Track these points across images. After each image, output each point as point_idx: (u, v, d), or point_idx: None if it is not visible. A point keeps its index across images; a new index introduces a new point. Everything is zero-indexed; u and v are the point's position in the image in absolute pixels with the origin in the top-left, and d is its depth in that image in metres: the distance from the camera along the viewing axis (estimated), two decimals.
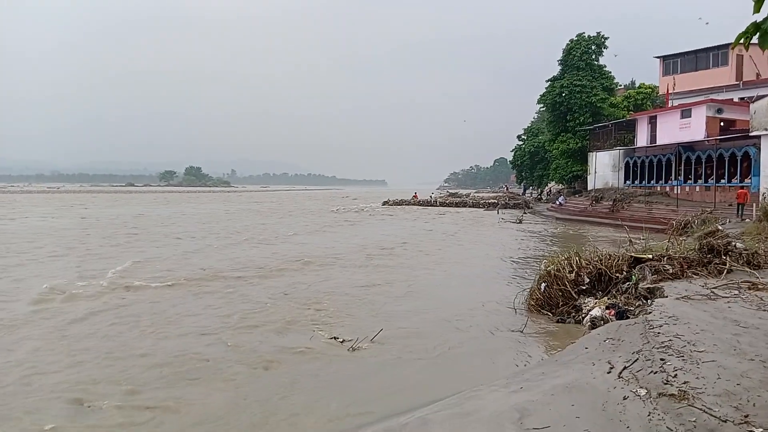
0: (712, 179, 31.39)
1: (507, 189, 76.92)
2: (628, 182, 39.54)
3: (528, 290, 10.40)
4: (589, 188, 43.50)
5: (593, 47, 46.86)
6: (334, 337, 8.29)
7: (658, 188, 36.02)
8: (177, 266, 15.08)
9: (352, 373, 6.91)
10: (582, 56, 46.21)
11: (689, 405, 4.12)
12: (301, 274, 14.11)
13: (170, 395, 6.09)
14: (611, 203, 33.30)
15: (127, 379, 6.54)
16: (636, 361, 5.30)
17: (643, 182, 37.88)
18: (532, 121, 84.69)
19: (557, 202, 43.51)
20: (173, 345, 7.97)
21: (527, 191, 66.66)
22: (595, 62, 46.82)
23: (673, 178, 34.78)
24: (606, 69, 47.28)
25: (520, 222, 33.69)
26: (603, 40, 47.24)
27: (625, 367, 5.17)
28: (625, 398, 4.43)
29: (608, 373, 5.13)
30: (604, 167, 42.19)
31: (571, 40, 47.50)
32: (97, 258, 16.60)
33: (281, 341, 8.16)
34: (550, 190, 57.61)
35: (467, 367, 7.11)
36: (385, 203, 58.26)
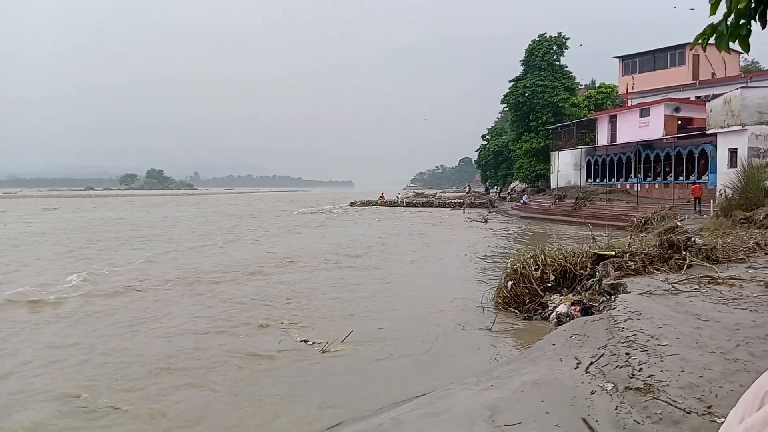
0: (671, 177, 32.31)
1: (470, 189, 77.67)
2: (590, 180, 40.41)
3: (495, 288, 10.51)
4: (552, 187, 44.28)
5: (554, 47, 47.74)
6: (305, 340, 8.23)
7: (619, 186, 36.91)
8: (145, 271, 14.77)
9: (323, 375, 6.87)
10: (544, 56, 47.01)
11: (655, 398, 4.21)
12: (274, 276, 14.00)
13: (145, 398, 5.97)
14: (574, 201, 33.93)
15: (95, 383, 6.36)
16: (602, 356, 5.40)
17: (605, 180, 38.76)
18: (496, 121, 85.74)
19: (521, 201, 44.10)
20: (146, 348, 7.80)
21: (491, 190, 67.37)
22: (557, 62, 47.70)
23: (633, 176, 35.68)
24: (567, 69, 48.25)
25: (486, 221, 34.06)
26: (564, 40, 48.18)
27: (591, 363, 5.26)
28: (592, 393, 4.50)
29: (575, 368, 5.21)
30: (566, 166, 42.99)
31: (533, 41, 48.27)
32: (74, 260, 16.15)
33: (252, 344, 8.07)
34: (514, 189, 58.42)
35: (438, 365, 7.15)
36: (352, 204, 58.18)
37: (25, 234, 26.22)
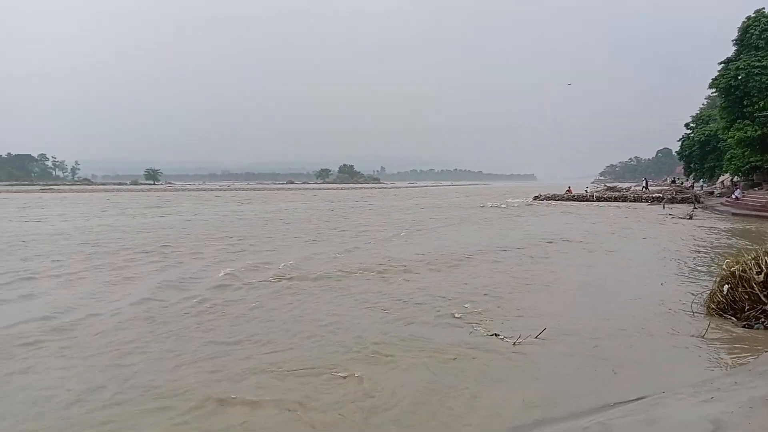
0: None
1: (674, 182, 70.80)
2: None
3: (707, 292, 9.54)
4: None
5: None
6: (495, 334, 8.20)
7: None
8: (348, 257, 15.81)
9: (516, 370, 6.78)
10: (761, 34, 41.12)
11: None
12: (462, 269, 14.13)
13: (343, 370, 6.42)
14: None
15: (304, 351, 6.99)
16: None
17: None
18: (701, 108, 77.36)
19: (732, 196, 39.25)
20: (341, 337, 8.37)
21: (695, 184, 60.91)
22: None
23: None
24: None
25: (691, 218, 30.87)
26: None
27: None
28: None
29: None
30: None
31: (748, 17, 42.49)
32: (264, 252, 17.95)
33: (440, 336, 8.22)
34: (723, 183, 52.19)
35: (644, 371, 6.65)
36: (536, 198, 56.51)
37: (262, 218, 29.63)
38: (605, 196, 53.08)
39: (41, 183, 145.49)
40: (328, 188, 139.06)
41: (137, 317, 9.28)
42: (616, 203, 48.30)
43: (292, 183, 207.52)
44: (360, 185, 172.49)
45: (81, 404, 5.72)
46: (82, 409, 5.61)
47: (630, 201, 48.99)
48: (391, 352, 7.38)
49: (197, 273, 13.57)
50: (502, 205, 47.74)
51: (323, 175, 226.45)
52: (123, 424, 5.26)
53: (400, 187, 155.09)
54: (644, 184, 66.63)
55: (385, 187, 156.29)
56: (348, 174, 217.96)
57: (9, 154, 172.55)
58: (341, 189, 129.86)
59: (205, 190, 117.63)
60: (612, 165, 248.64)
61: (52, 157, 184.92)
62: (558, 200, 53.49)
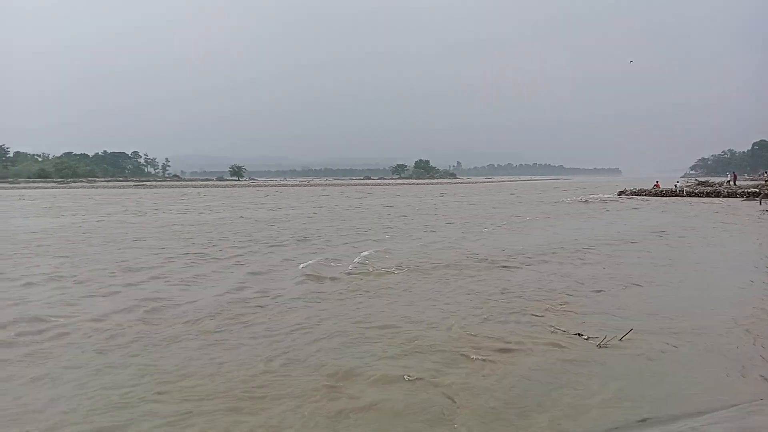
0: None
1: None
2: None
3: None
4: None
5: None
6: (579, 333, 8.03)
7: None
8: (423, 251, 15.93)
9: (603, 371, 6.62)
10: None
11: None
12: (549, 265, 13.86)
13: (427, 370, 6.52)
14: None
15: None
16: None
17: None
18: None
19: None
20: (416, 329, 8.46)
21: None
22: None
23: None
24: None
25: None
26: None
27: None
28: None
29: None
30: None
31: None
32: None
33: (522, 332, 8.14)
34: None
35: (737, 378, 6.34)
36: (621, 193, 54.41)
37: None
38: (696, 191, 50.29)
39: (134, 179, 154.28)
40: (405, 184, 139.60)
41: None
42: (708, 198, 45.72)
43: (369, 179, 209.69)
44: (436, 180, 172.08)
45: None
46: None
47: (723, 197, 46.19)
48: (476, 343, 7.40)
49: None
50: (583, 200, 46.36)
51: (399, 170, 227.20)
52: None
53: (476, 183, 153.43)
54: (729, 178, 62.38)
55: (461, 182, 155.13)
56: (424, 169, 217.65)
57: (105, 151, 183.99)
58: (417, 184, 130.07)
59: (286, 186, 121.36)
60: (703, 158, 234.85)
61: (144, 154, 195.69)
62: (645, 195, 51.31)
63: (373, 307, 9.76)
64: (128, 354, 7.18)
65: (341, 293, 10.85)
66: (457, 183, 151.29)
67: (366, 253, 15.52)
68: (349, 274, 12.76)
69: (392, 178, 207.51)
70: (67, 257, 15.28)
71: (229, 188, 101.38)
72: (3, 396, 5.79)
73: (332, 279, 12.20)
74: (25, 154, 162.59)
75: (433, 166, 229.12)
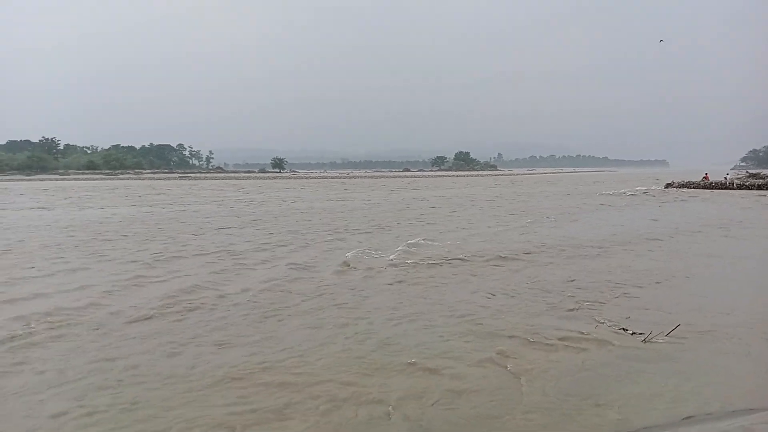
0: None
1: None
2: None
3: None
4: None
5: None
6: (623, 329, 7.94)
7: None
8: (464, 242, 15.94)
9: (647, 366, 6.54)
10: None
11: None
12: (593, 260, 13.71)
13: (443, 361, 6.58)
14: None
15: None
16: None
17: None
18: None
19: None
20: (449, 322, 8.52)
21: None
22: None
23: None
24: None
25: None
26: None
27: None
28: None
29: None
30: None
31: None
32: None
33: (565, 326, 8.09)
34: None
35: None
36: (668, 185, 52.99)
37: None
38: (747, 183, 48.53)
39: (179, 171, 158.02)
40: (445, 176, 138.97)
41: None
42: (759, 191, 44.10)
43: (408, 171, 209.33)
44: (476, 172, 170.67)
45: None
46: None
47: None
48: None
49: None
50: (629, 193, 45.40)
51: (439, 162, 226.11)
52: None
53: (517, 174, 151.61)
54: None
55: (501, 174, 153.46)
56: (464, 161, 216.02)
57: (151, 144, 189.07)
58: (457, 176, 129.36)
59: (326, 178, 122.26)
60: (755, 150, 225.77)
61: (189, 147, 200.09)
62: (693, 188, 49.86)
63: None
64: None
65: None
66: (497, 174, 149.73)
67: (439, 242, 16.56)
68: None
69: (432, 170, 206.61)
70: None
71: (276, 180, 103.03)
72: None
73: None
74: (74, 147, 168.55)
75: (473, 158, 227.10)
